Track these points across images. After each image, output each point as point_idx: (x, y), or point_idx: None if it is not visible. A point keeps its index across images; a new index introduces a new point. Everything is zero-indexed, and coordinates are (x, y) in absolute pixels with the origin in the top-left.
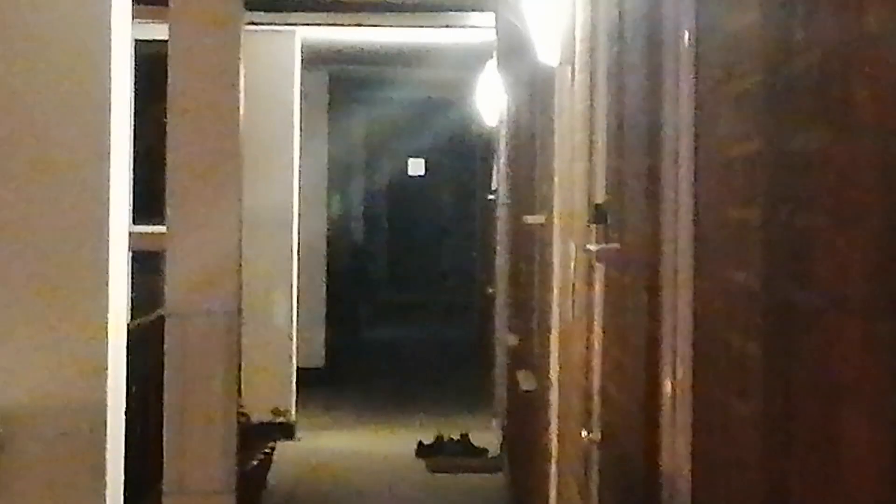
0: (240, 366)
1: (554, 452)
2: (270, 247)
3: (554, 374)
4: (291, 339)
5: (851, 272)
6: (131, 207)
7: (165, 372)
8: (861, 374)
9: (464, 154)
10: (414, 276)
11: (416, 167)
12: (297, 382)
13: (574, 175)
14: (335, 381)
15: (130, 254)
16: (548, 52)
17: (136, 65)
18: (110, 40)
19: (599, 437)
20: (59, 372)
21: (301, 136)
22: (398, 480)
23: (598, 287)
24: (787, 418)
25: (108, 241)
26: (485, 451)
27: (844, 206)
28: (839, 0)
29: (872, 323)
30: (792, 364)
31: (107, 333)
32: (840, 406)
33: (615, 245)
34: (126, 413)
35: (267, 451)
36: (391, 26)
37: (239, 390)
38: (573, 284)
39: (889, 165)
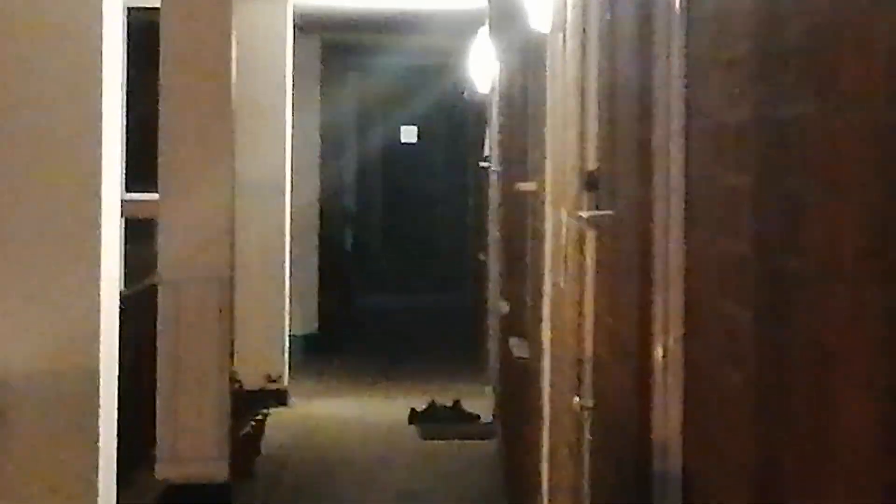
0: (233, 332)
1: (546, 419)
2: (263, 214)
3: (546, 341)
4: (284, 306)
5: (842, 239)
6: (124, 175)
7: (158, 339)
8: (852, 342)
9: (456, 122)
10: (407, 243)
11: (408, 134)
12: (289, 349)
13: (566, 142)
14: (328, 347)
15: (124, 221)
16: (539, 18)
17: (128, 33)
18: (101, 7)
19: (591, 403)
20: (53, 339)
21: (293, 103)
22: (391, 447)
23: (589, 254)
24: (778, 385)
25: (100, 208)
26: (477, 417)
27: (835, 173)
28: None
29: (863, 290)
30: (783, 331)
31: (100, 301)
32: (831, 373)
33: (607, 212)
34: (119, 380)
35: (260, 417)
36: None
37: (232, 357)
38: (565, 251)
39: (879, 133)
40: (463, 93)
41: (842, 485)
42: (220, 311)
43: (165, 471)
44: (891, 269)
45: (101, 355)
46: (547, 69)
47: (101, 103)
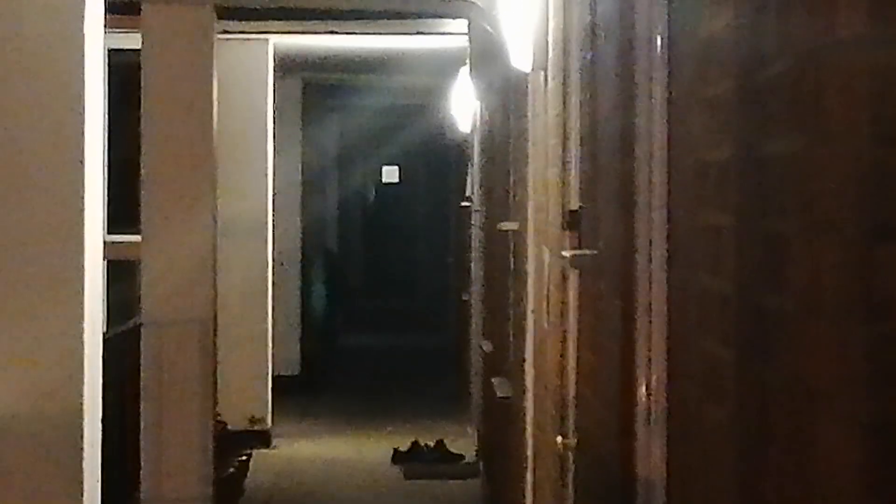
0: (216, 373)
1: (530, 458)
2: (245, 255)
3: (529, 380)
4: (267, 347)
5: (824, 277)
6: (106, 217)
7: (142, 380)
8: (834, 379)
9: (438, 161)
10: (389, 284)
11: (390, 175)
12: (273, 390)
13: (548, 181)
14: (311, 388)
15: (106, 263)
16: (521, 57)
17: (109, 74)
18: (83, 50)
19: (575, 442)
20: (36, 381)
21: (275, 143)
22: (374, 487)
23: (572, 293)
24: (761, 423)
25: (82, 250)
26: (461, 457)
27: (817, 211)
28: (811, 5)
29: (845, 328)
30: (765, 369)
31: (83, 342)
32: (814, 411)
33: (589, 251)
34: (103, 422)
35: (243, 458)
36: (364, 33)
37: (215, 398)
38: (548, 290)
39: (861, 171)
40: (444, 133)
41: None
42: (203, 352)
43: None
44: (873, 307)
45: (85, 397)
46: (528, 108)
47: (82, 145)
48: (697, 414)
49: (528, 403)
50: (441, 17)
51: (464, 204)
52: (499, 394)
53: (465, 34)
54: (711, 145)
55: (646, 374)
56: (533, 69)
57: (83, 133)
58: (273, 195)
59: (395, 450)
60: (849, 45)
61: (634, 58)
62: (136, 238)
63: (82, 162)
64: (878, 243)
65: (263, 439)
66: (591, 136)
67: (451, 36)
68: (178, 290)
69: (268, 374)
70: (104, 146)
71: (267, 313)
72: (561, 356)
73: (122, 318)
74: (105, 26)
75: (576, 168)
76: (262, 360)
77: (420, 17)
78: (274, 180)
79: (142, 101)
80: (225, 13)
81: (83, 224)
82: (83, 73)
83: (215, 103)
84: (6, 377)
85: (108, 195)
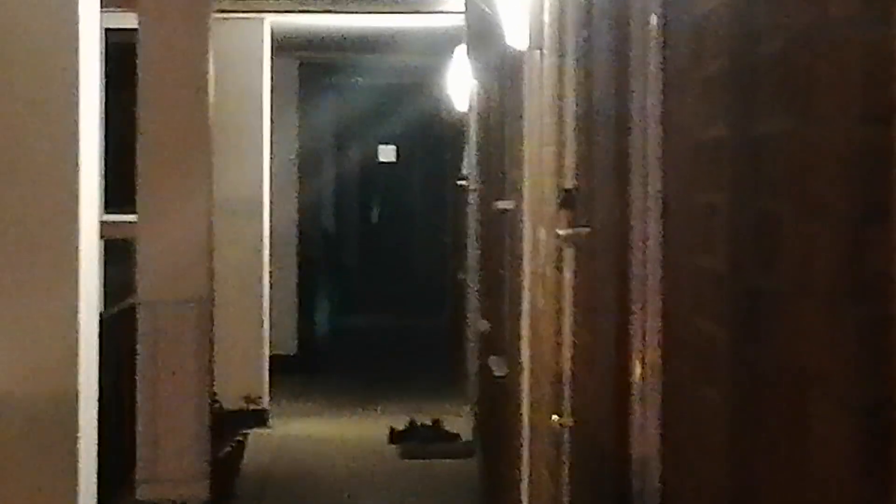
0: (212, 353)
1: (526, 437)
2: (241, 235)
3: (525, 359)
4: (263, 327)
5: (817, 258)
6: (102, 196)
7: (138, 360)
8: (827, 360)
9: (435, 140)
10: (386, 263)
11: (386, 154)
12: (269, 370)
13: (543, 160)
14: (307, 368)
15: (102, 242)
16: (517, 36)
17: (105, 54)
18: (78, 29)
19: (570, 421)
20: (31, 361)
21: (271, 123)
22: (371, 466)
23: (567, 272)
24: (754, 403)
25: (78, 230)
26: (457, 436)
27: (810, 191)
28: None
29: (838, 308)
30: (759, 349)
31: (78, 322)
32: (807, 391)
33: (584, 230)
34: (99, 402)
35: (240, 438)
36: (361, 12)
37: (211, 378)
38: (543, 269)
39: (854, 151)
40: (441, 112)
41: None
42: (199, 332)
43: (146, 492)
44: (866, 287)
45: (81, 377)
46: (524, 87)
47: (78, 125)
48: (692, 394)
49: (524, 382)
50: None
51: (460, 183)
52: (495, 373)
53: (462, 13)
54: (705, 124)
55: (640, 352)
56: (529, 48)
57: (79, 113)
58: (269, 175)
59: (392, 429)
60: (841, 25)
61: (629, 37)
62: (133, 218)
63: (78, 141)
64: (870, 223)
65: (260, 419)
66: (587, 115)
67: (447, 14)
68: (175, 269)
69: (264, 353)
70: (100, 126)
71: (263, 293)
72: (556, 335)
73: (118, 298)
74: (101, 5)
75: (571, 147)
76: (259, 339)
77: None
78: (270, 160)
79: (138, 81)
80: None
81: (79, 204)
82: (78, 53)
83: (211, 82)
84: (2, 358)
85: (105, 175)
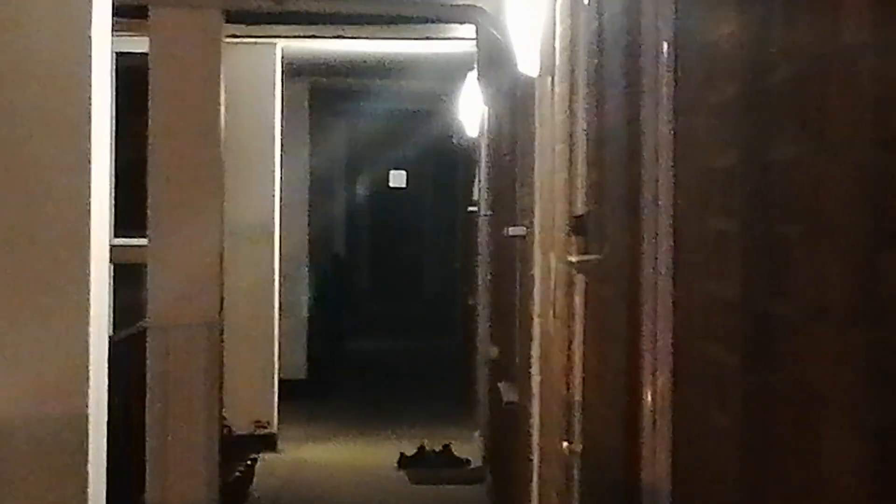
0: (222, 377)
1: (535, 463)
2: (252, 259)
3: (535, 385)
4: (274, 351)
5: (829, 283)
6: (113, 220)
7: (148, 384)
8: (839, 385)
9: (445, 166)
10: (396, 288)
11: (397, 179)
12: (279, 394)
13: (554, 186)
14: (317, 392)
15: (112, 266)
16: (528, 62)
17: (117, 78)
18: (90, 53)
19: (580, 447)
20: (42, 385)
21: (282, 148)
22: (380, 492)
23: (578, 298)
24: (765, 429)
25: (89, 253)
26: (467, 462)
27: (822, 216)
28: (816, 12)
29: (849, 333)
30: (770, 374)
31: (88, 345)
32: (818, 416)
33: (595, 256)
34: (108, 425)
35: (249, 462)
36: (372, 38)
37: (221, 402)
38: (554, 296)
39: (865, 176)
40: (451, 137)
41: None
42: (210, 355)
43: None
44: (877, 313)
45: (90, 400)
46: (535, 113)
47: (89, 148)
48: (703, 419)
49: (535, 408)
50: (449, 21)
51: (471, 209)
52: (505, 399)
53: (473, 39)
54: (717, 151)
55: (651, 379)
56: (540, 74)
57: (90, 136)
58: (280, 199)
59: (402, 454)
60: (854, 52)
61: (641, 63)
62: (143, 242)
63: (89, 165)
64: (883, 249)
65: (269, 444)
66: (598, 141)
67: (458, 41)
68: (185, 293)
69: (274, 378)
70: (111, 149)
71: (274, 317)
72: (567, 361)
73: (128, 322)
74: (112, 30)
75: (582, 173)
76: (269, 364)
77: (428, 21)
78: (281, 184)
79: (149, 105)
80: (233, 17)
81: (90, 227)
82: (90, 77)
83: (223, 107)
84: (11, 380)
85: (115, 198)
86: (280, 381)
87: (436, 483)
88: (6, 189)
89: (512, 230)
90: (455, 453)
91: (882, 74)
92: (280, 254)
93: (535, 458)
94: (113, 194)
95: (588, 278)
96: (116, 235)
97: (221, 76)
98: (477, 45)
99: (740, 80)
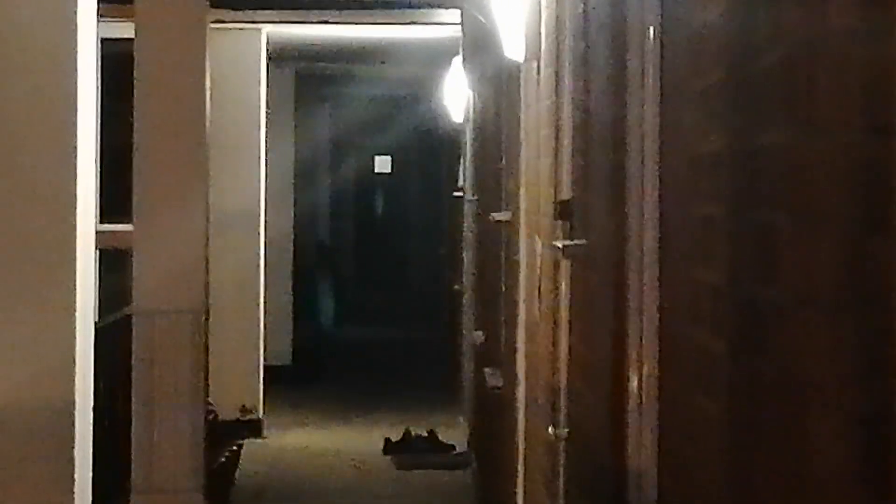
0: (207, 364)
1: (521, 449)
2: (237, 245)
3: (521, 370)
4: (259, 338)
5: (816, 269)
6: (99, 206)
7: (133, 370)
8: (827, 371)
9: (431, 151)
10: (381, 274)
11: (382, 165)
12: (264, 380)
13: (540, 171)
14: (303, 378)
15: (98, 252)
16: (514, 47)
17: (102, 63)
18: (76, 39)
19: (566, 433)
20: (27, 371)
21: (267, 133)
22: (366, 477)
23: (564, 283)
24: (752, 415)
25: (74, 239)
26: (452, 447)
27: (809, 202)
28: None
29: (838, 319)
30: (757, 361)
31: (74, 332)
32: (806, 403)
33: (581, 241)
34: (94, 412)
35: (235, 448)
36: (357, 23)
37: (206, 388)
38: (539, 281)
39: (853, 162)
40: (434, 126)
41: None
42: (195, 342)
43: (140, 502)
44: (865, 299)
45: (76, 387)
46: (521, 98)
47: (75, 134)
48: (689, 405)
49: (520, 394)
50: (434, 6)
51: (456, 194)
52: (490, 384)
53: (458, 24)
54: (703, 136)
55: (637, 364)
56: (526, 59)
57: (76, 122)
58: (265, 185)
59: (387, 440)
60: (841, 36)
61: (627, 48)
62: (129, 227)
63: (75, 151)
64: (870, 235)
65: (255, 429)
66: (584, 127)
67: (443, 26)
68: (170, 280)
69: (259, 364)
70: (97, 135)
71: (259, 304)
72: (553, 347)
73: (113, 307)
74: (98, 15)
75: (568, 158)
76: (254, 350)
77: (413, 6)
78: (266, 171)
79: (134, 91)
80: (218, 2)
81: (75, 213)
82: (76, 63)
83: (208, 93)
84: None
85: (101, 184)
86: (265, 367)
87: (421, 468)
88: None
89: (497, 215)
90: (440, 439)
91: (869, 59)
92: (265, 239)
93: (521, 443)
94: (98, 180)
95: (574, 263)
96: (102, 221)
97: (207, 62)
98: (462, 30)
99: (726, 65)
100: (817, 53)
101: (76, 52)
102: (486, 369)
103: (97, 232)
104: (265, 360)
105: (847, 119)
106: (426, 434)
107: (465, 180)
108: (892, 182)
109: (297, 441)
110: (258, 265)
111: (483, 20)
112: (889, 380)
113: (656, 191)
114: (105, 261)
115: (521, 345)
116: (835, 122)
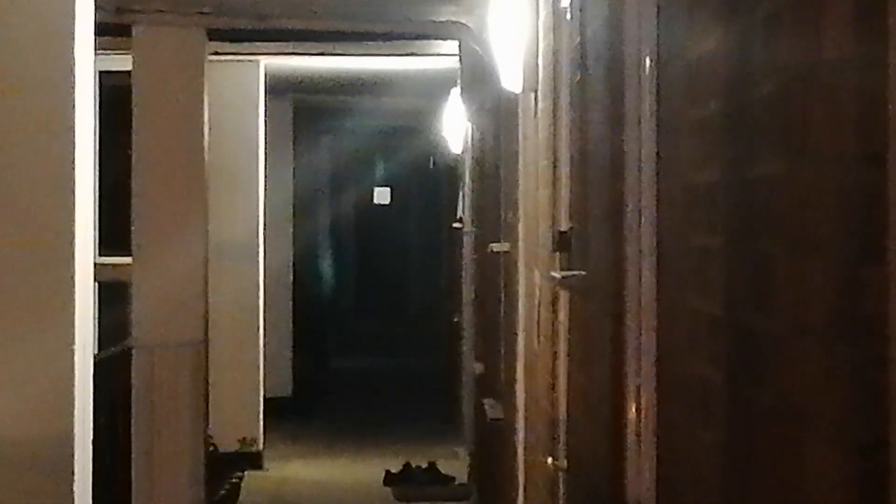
0: (207, 396)
1: (521, 480)
2: (236, 277)
3: (520, 401)
4: (259, 369)
5: (813, 299)
6: (97, 239)
7: (133, 403)
8: (823, 401)
9: (430, 182)
10: (381, 305)
11: (381, 196)
12: (264, 412)
13: (538, 203)
14: (303, 410)
15: (97, 284)
16: (511, 79)
17: (100, 96)
18: (74, 72)
19: (566, 464)
20: (25, 404)
21: (266, 165)
22: None
23: (562, 314)
24: (749, 445)
25: (73, 272)
26: (452, 479)
27: (805, 232)
28: (798, 28)
29: (833, 348)
30: (754, 391)
31: (73, 365)
32: (802, 432)
33: (580, 272)
34: (94, 445)
35: (235, 480)
36: (355, 55)
37: (206, 420)
38: (538, 312)
39: (848, 192)
40: (432, 161)
41: None
42: (195, 374)
43: None
44: (861, 328)
45: (76, 420)
46: (519, 129)
47: (73, 166)
48: (687, 436)
49: (520, 425)
50: (432, 38)
51: (455, 225)
52: (490, 415)
53: (456, 55)
54: (700, 166)
55: (636, 395)
56: (523, 90)
57: (74, 155)
58: (264, 217)
59: (387, 472)
60: (835, 67)
61: (623, 79)
62: (128, 260)
63: (73, 184)
64: (865, 264)
65: (255, 461)
66: (581, 158)
67: (442, 57)
68: (170, 312)
69: (259, 396)
70: (95, 168)
71: (258, 335)
72: (552, 378)
73: (113, 340)
74: (95, 48)
75: (566, 189)
76: (254, 382)
77: (411, 38)
78: (265, 202)
79: (133, 123)
80: (216, 35)
81: (74, 246)
82: (73, 95)
83: (206, 125)
84: None
85: (100, 217)
86: (265, 399)
87: (421, 500)
88: None
89: (496, 246)
90: (441, 470)
91: (863, 90)
92: (264, 271)
93: (521, 474)
94: (97, 213)
95: (572, 294)
96: (101, 254)
97: (205, 94)
98: (460, 62)
99: (723, 96)
100: (811, 84)
101: (74, 85)
102: (486, 400)
103: (96, 265)
104: (265, 391)
105: (841, 149)
106: (426, 465)
107: (464, 211)
108: (886, 211)
109: (298, 473)
110: (258, 296)
111: (481, 52)
112: (885, 409)
113: (653, 221)
114: (104, 294)
115: (520, 375)
116: (829, 152)
